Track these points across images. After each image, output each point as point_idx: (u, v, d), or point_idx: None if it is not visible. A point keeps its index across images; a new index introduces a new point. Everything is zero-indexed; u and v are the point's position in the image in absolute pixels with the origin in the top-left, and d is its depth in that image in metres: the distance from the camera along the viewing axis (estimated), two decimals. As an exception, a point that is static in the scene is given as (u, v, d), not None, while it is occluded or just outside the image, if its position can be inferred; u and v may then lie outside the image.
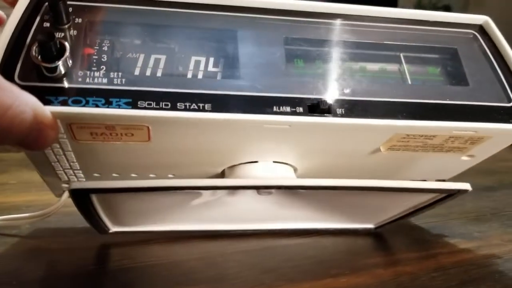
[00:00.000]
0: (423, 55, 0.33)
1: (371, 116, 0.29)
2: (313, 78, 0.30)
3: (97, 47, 0.28)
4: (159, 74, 0.28)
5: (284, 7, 0.31)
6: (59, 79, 0.26)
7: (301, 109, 0.28)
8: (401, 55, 0.32)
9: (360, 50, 0.32)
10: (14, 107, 0.21)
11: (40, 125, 0.23)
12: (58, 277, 0.30)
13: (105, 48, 0.28)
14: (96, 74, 0.27)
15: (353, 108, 0.29)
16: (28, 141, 0.23)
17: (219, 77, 0.28)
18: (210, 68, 0.29)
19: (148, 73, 0.28)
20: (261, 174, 0.32)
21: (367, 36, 0.32)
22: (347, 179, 0.28)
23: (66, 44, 0.26)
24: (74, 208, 0.28)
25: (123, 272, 0.30)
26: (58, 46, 0.26)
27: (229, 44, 0.30)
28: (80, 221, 0.31)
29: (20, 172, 0.70)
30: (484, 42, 0.34)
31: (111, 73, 0.27)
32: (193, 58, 0.29)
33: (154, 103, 0.26)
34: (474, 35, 0.34)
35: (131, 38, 0.29)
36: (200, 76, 0.28)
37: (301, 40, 0.31)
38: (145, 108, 0.26)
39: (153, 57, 0.28)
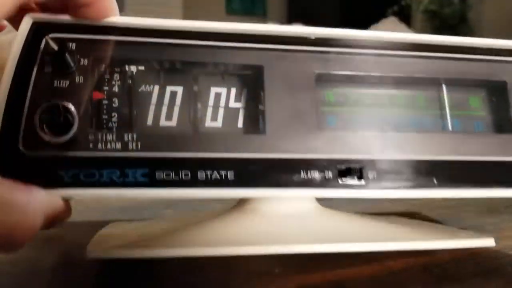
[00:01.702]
0: (466, 90, 0.30)
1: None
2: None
3: (107, 99, 0.25)
4: (175, 132, 0.25)
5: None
6: (68, 146, 0.23)
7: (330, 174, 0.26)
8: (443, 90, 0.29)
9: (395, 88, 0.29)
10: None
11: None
12: (73, 264, 0.30)
13: (116, 102, 0.25)
14: (109, 137, 0.24)
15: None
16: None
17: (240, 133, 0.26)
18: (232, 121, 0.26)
19: (164, 133, 0.25)
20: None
21: (401, 68, 0.29)
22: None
23: (73, 110, 0.23)
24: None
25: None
26: (64, 116, 0.23)
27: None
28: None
29: None
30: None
31: (125, 135, 0.24)
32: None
33: (173, 173, 0.24)
34: (529, 65, 0.30)
35: (145, 83, 0.26)
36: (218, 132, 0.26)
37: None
38: (163, 180, 0.24)
39: (166, 109, 0.26)
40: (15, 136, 0.23)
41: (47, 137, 0.23)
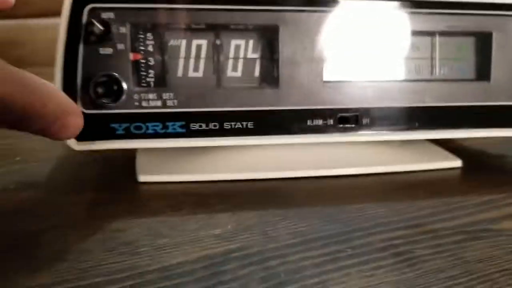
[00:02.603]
0: (456, 40, 0.34)
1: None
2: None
3: (144, 61, 0.29)
4: (205, 88, 0.30)
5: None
6: (119, 106, 0.28)
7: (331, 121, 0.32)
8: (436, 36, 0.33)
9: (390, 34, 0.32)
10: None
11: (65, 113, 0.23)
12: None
13: (152, 62, 0.29)
14: (151, 96, 0.29)
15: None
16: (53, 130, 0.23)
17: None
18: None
19: (196, 89, 0.30)
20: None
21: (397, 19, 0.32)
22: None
23: (120, 79, 0.27)
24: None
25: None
26: (116, 87, 0.27)
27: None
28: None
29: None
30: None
31: (163, 94, 0.29)
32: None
33: (204, 124, 0.30)
34: (517, 17, 0.34)
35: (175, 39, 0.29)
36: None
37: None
38: (197, 131, 0.30)
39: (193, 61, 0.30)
40: (74, 97, 0.28)
41: (101, 102, 0.28)
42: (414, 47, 0.33)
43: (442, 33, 0.33)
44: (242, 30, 0.30)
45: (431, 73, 0.34)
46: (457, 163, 0.36)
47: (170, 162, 0.33)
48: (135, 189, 0.31)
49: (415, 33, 0.33)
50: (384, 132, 0.33)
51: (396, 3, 0.32)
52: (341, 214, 0.27)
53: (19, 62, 0.24)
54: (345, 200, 0.30)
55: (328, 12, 0.31)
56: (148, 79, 0.29)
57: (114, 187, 0.31)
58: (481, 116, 0.34)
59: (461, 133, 0.34)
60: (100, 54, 0.28)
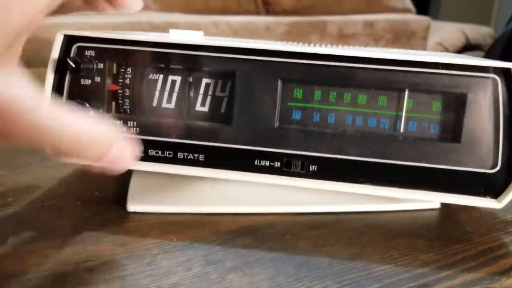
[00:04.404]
0: (427, 98, 0.32)
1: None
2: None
3: (119, 98, 0.34)
4: (166, 122, 0.34)
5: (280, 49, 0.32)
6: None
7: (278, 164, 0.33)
8: (406, 92, 0.32)
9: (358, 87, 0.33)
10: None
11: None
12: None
13: (121, 101, 0.34)
14: (117, 123, 0.34)
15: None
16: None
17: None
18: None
19: (155, 121, 0.34)
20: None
21: (371, 75, 0.32)
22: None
23: (90, 109, 0.33)
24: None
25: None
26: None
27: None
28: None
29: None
30: (502, 91, 0.31)
31: (128, 123, 0.34)
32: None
33: (160, 152, 0.34)
34: (494, 80, 0.31)
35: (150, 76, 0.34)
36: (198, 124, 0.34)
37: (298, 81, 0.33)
38: (154, 156, 0.34)
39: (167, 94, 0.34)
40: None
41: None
42: (378, 101, 0.33)
43: (412, 90, 0.32)
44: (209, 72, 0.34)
45: (394, 129, 0.33)
46: (435, 204, 0.36)
47: (161, 192, 0.37)
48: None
49: (382, 87, 0.32)
50: (332, 182, 0.33)
51: (355, 54, 0.32)
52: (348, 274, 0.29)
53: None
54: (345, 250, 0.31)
55: (288, 62, 0.32)
56: (119, 107, 0.34)
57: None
58: (446, 179, 0.32)
59: (416, 194, 0.33)
60: (81, 84, 0.34)
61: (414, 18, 1.81)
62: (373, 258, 0.30)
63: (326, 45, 0.39)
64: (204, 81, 0.34)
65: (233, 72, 0.33)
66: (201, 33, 0.36)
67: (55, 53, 0.33)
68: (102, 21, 1.27)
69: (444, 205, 0.37)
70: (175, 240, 0.32)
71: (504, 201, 0.32)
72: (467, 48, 2.08)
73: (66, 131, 0.22)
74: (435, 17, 2.75)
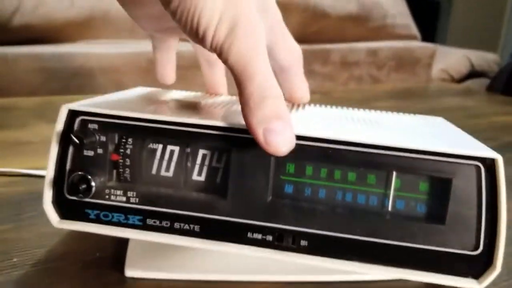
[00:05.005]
0: (414, 179, 0.34)
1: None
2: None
3: (120, 167, 0.36)
4: (164, 192, 0.35)
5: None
6: (93, 197, 0.35)
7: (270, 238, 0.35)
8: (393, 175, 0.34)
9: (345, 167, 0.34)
10: None
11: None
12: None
13: (122, 169, 0.36)
14: (118, 192, 0.36)
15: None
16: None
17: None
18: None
19: (154, 191, 0.35)
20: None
21: (360, 156, 0.34)
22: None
23: (92, 182, 0.34)
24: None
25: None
26: (86, 185, 0.34)
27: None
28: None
29: (39, 128, 0.76)
30: (485, 179, 0.32)
31: (128, 193, 0.35)
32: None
33: (158, 221, 0.35)
34: (478, 167, 0.32)
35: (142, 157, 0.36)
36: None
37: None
38: (152, 226, 0.35)
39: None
40: (61, 184, 0.36)
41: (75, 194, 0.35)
42: (367, 179, 0.34)
43: (400, 171, 0.34)
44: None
45: (382, 207, 0.34)
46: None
47: (158, 258, 0.38)
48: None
49: (370, 167, 0.34)
50: (323, 258, 0.34)
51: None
52: None
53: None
54: None
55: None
56: (118, 177, 0.36)
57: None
58: (430, 259, 0.34)
59: (400, 274, 0.34)
60: (83, 155, 0.35)
61: (419, 46, 1.83)
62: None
63: (323, 105, 0.40)
64: (201, 152, 0.36)
65: (229, 149, 0.35)
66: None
67: (59, 125, 0.35)
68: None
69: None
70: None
71: (485, 282, 0.33)
72: (472, 74, 2.09)
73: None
74: (442, 41, 2.77)
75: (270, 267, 0.38)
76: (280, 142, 0.31)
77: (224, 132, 0.34)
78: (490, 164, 0.32)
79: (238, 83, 0.32)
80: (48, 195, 0.36)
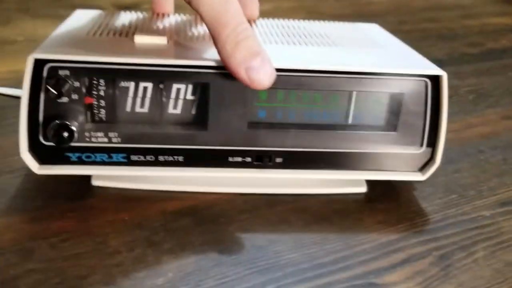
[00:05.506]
0: (373, 97, 0.38)
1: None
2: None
3: (95, 109, 0.36)
4: (146, 130, 0.37)
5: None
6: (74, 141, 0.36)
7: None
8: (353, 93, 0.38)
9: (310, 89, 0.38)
10: None
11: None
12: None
13: (101, 110, 0.36)
14: (99, 134, 0.36)
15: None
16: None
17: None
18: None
19: (137, 130, 0.37)
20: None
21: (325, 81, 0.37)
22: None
23: (74, 128, 0.34)
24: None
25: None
26: (69, 132, 0.34)
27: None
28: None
29: (24, 24, 0.69)
30: (431, 92, 0.38)
31: (109, 133, 0.36)
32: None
33: (143, 156, 0.37)
34: (426, 82, 0.38)
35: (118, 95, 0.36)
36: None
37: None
38: (137, 161, 0.37)
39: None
40: (36, 132, 0.35)
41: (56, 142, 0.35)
42: (332, 100, 0.38)
43: (359, 92, 0.38)
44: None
45: (345, 122, 0.39)
46: (362, 188, 0.42)
47: None
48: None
49: (335, 90, 0.38)
50: (296, 170, 0.39)
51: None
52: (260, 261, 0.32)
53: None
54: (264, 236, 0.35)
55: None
56: (95, 119, 0.36)
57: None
58: (386, 161, 0.40)
59: (361, 175, 0.40)
60: (58, 102, 0.35)
61: None
62: (287, 245, 0.34)
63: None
64: (175, 86, 0.37)
65: (207, 84, 0.36)
66: (165, 38, 0.38)
67: (27, 75, 0.34)
68: None
69: (368, 192, 0.41)
70: (126, 218, 0.35)
71: (427, 173, 0.40)
72: None
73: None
74: None
75: (220, 180, 0.40)
76: (262, 77, 0.33)
77: (201, 69, 0.35)
78: (436, 80, 0.38)
79: (211, 29, 0.33)
80: (24, 143, 0.35)
